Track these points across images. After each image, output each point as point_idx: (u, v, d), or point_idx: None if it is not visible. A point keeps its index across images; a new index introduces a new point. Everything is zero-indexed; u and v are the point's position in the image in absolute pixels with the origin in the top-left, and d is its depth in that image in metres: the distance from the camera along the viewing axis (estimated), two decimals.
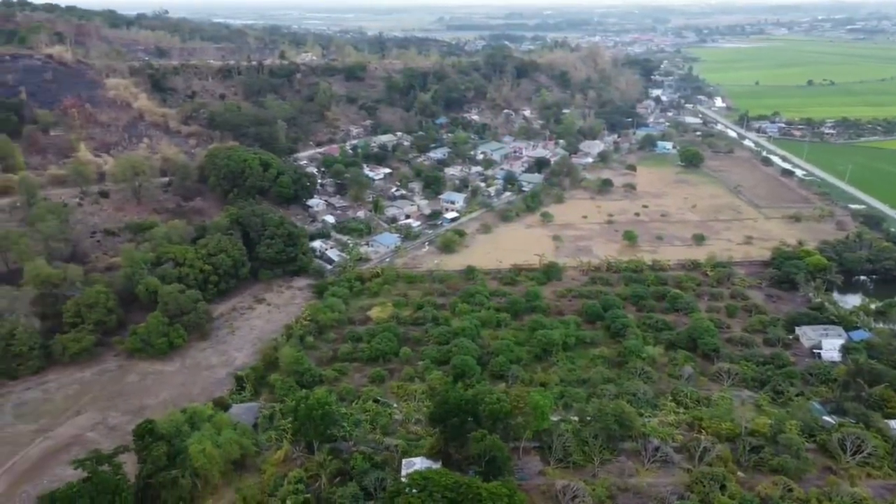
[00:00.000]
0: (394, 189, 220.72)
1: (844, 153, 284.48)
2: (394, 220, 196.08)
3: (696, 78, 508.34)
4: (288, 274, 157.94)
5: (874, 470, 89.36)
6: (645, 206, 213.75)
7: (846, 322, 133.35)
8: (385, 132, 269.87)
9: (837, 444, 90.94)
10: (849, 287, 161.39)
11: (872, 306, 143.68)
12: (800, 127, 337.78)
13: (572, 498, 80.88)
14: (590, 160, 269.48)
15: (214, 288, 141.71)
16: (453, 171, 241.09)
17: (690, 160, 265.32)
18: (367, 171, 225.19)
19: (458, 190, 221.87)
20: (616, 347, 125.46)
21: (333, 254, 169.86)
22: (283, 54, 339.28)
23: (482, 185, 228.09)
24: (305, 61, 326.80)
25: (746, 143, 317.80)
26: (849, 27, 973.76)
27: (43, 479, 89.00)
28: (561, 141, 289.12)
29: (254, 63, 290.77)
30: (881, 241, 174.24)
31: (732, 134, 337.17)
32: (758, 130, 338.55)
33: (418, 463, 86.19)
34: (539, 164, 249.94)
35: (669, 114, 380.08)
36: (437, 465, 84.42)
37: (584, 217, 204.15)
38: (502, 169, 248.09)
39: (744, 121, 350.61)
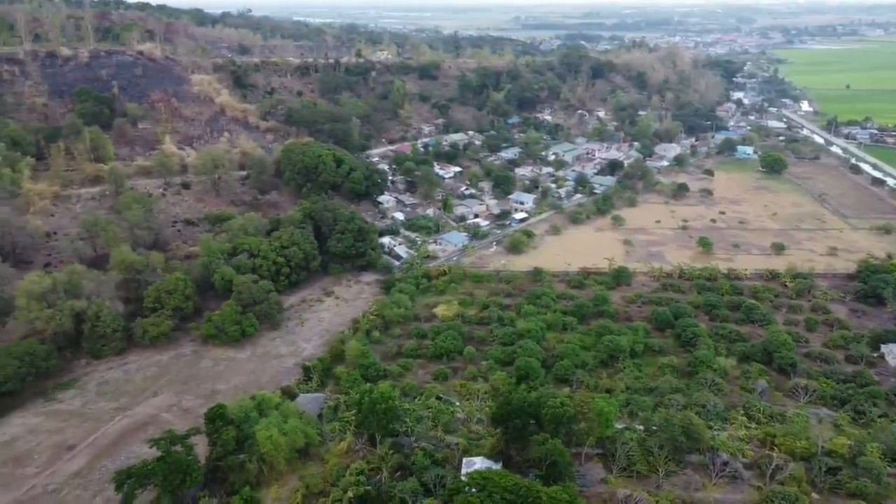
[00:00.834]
0: (463, 188, 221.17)
1: None
2: (462, 218, 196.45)
3: (782, 81, 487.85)
4: (357, 268, 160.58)
5: None
6: (722, 213, 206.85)
7: None
8: (457, 131, 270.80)
9: None
10: None
11: None
12: (893, 133, 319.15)
13: None
14: (665, 163, 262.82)
15: (286, 280, 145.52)
16: (524, 172, 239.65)
17: (772, 166, 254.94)
18: (437, 169, 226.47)
19: (528, 190, 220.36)
20: (686, 357, 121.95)
21: (402, 250, 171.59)
22: (360, 52, 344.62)
23: (553, 186, 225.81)
24: (381, 59, 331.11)
25: (834, 149, 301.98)
26: None
27: (121, 455, 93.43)
28: (635, 143, 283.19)
29: (331, 61, 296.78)
30: None
31: (819, 140, 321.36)
32: (847, 136, 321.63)
33: (478, 463, 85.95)
34: (612, 167, 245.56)
35: (751, 117, 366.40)
36: (497, 466, 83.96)
37: (657, 222, 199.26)
38: (574, 170, 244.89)
39: (832, 126, 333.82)
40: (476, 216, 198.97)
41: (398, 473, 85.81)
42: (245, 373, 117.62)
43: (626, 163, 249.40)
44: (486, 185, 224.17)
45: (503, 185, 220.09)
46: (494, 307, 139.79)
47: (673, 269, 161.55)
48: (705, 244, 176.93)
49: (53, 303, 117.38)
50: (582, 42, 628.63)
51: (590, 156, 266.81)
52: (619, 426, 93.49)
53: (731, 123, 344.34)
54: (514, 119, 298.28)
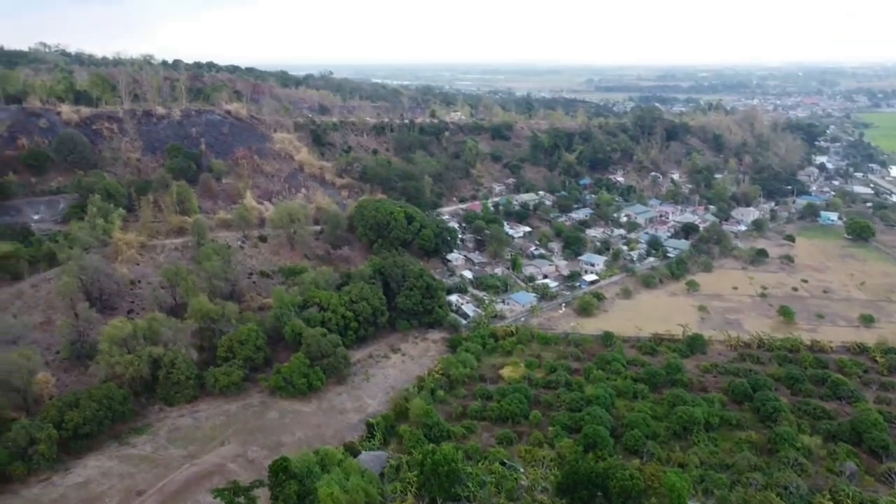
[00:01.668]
0: (533, 248, 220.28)
1: None
2: (531, 278, 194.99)
3: (868, 145, 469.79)
4: (424, 325, 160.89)
5: None
6: (804, 281, 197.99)
7: None
8: (527, 190, 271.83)
9: None
10: None
11: None
12: None
13: None
14: (742, 228, 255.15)
15: (354, 334, 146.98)
16: (595, 233, 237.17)
17: (859, 233, 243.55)
18: (507, 228, 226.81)
19: (599, 252, 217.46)
20: (765, 433, 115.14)
21: (469, 309, 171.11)
22: (434, 113, 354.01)
23: (624, 248, 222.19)
24: (454, 120, 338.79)
25: None
26: None
27: (186, 502, 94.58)
28: (711, 206, 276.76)
29: (406, 121, 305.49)
30: None
31: None
32: None
33: None
34: (686, 230, 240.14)
35: (835, 182, 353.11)
36: None
37: (735, 288, 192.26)
38: (646, 233, 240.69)
39: None
40: (545, 276, 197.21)
41: None
42: (310, 426, 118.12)
43: (701, 226, 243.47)
44: (556, 246, 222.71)
45: (574, 245, 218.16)
46: (562, 371, 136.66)
47: (751, 339, 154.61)
48: (787, 313, 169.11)
49: (133, 348, 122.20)
50: (656, 104, 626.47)
51: (663, 218, 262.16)
52: None
53: (814, 188, 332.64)
54: (586, 180, 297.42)
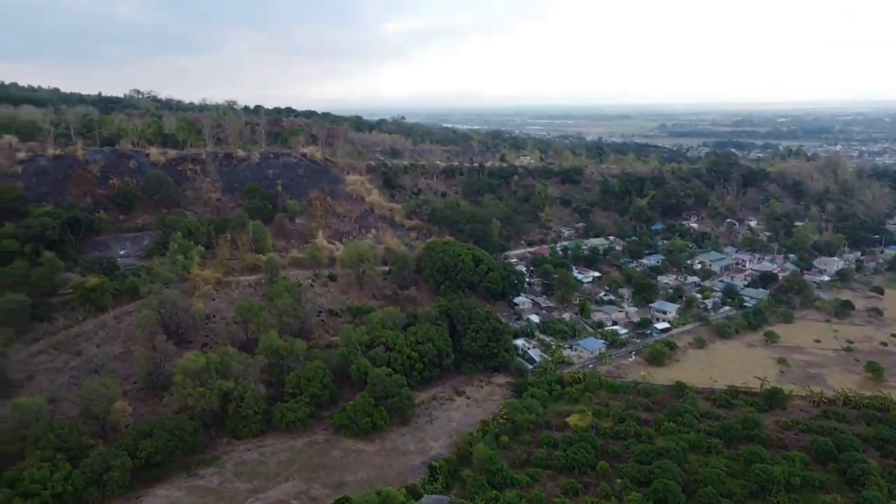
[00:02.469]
0: (602, 293, 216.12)
1: None
2: (600, 325, 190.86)
3: None
4: (489, 369, 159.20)
5: None
6: (894, 336, 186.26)
7: None
8: (597, 235, 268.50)
9: None
10: None
11: None
12: None
13: None
14: (825, 278, 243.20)
15: (419, 375, 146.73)
16: (667, 280, 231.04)
17: None
18: (576, 272, 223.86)
19: (671, 299, 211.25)
20: (852, 497, 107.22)
21: (535, 353, 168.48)
22: (504, 157, 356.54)
23: (698, 296, 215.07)
24: (524, 164, 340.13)
25: None
26: None
27: None
28: (791, 255, 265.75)
29: (475, 164, 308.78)
30: None
31: None
32: None
33: None
34: (764, 279, 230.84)
35: None
36: None
37: (817, 341, 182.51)
38: (722, 281, 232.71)
39: None
40: (614, 323, 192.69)
41: None
42: (372, 466, 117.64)
43: (780, 275, 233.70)
44: (626, 292, 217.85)
45: (644, 292, 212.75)
46: (631, 421, 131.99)
47: (836, 395, 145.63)
48: (875, 370, 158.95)
49: (205, 381, 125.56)
50: (732, 149, 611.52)
51: (740, 266, 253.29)
52: None
53: None
54: (658, 226, 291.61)
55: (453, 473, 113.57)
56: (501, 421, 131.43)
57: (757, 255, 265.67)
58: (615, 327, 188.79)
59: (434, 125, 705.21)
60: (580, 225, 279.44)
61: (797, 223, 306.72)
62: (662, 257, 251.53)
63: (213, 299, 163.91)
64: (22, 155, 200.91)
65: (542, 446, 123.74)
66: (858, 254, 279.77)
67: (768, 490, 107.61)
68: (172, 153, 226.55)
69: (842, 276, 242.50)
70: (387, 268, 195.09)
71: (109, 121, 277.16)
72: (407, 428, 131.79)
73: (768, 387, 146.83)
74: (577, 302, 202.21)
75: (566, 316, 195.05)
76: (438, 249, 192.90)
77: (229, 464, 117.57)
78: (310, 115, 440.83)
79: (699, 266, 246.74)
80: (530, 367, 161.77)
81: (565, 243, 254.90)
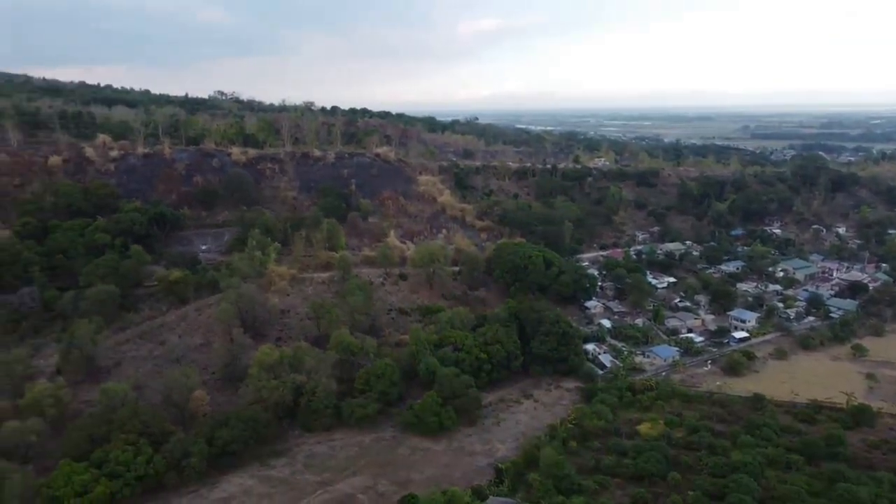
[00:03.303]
0: (677, 299, 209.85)
1: None
2: (674, 332, 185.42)
3: None
4: (558, 373, 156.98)
5: None
6: None
7: None
8: (673, 240, 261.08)
9: None
10: None
11: None
12: None
13: None
14: None
15: (487, 376, 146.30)
16: (746, 287, 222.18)
17: None
18: (650, 277, 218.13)
19: (751, 308, 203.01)
20: None
21: (606, 359, 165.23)
22: (577, 159, 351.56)
23: (780, 305, 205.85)
24: (598, 166, 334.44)
25: None
26: None
27: None
28: (884, 265, 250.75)
29: (548, 166, 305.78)
30: None
31: None
32: None
33: None
34: (853, 289, 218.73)
35: None
36: None
37: None
38: (806, 290, 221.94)
39: None
40: (690, 330, 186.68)
41: None
42: (438, 465, 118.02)
43: (871, 286, 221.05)
44: (702, 299, 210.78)
45: (722, 299, 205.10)
46: (705, 432, 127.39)
47: None
48: None
49: (279, 374, 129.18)
50: (820, 152, 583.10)
51: (826, 275, 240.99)
52: None
53: None
54: (738, 231, 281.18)
55: (519, 476, 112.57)
56: (570, 426, 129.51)
57: (845, 264, 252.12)
58: (690, 335, 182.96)
59: (507, 126, 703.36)
60: (655, 229, 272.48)
61: (890, 231, 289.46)
62: (742, 264, 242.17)
63: (288, 295, 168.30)
64: (115, 153, 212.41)
65: (611, 454, 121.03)
66: None
67: None
68: (253, 152, 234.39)
69: None
70: (457, 268, 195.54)
71: (194, 121, 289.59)
72: (474, 429, 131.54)
73: (855, 403, 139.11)
74: (651, 307, 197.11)
75: (639, 321, 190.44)
76: (509, 251, 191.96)
77: (300, 456, 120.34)
78: (384, 115, 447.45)
79: (782, 274, 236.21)
80: (600, 372, 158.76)
81: (639, 247, 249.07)
